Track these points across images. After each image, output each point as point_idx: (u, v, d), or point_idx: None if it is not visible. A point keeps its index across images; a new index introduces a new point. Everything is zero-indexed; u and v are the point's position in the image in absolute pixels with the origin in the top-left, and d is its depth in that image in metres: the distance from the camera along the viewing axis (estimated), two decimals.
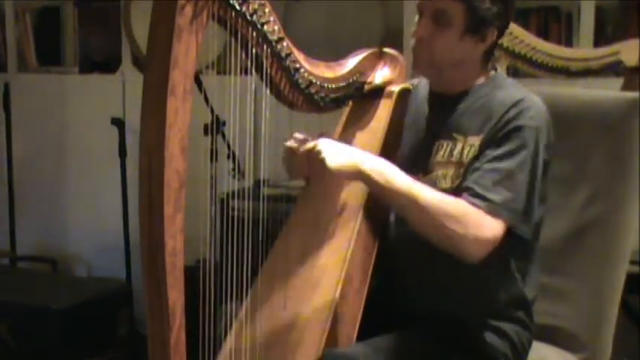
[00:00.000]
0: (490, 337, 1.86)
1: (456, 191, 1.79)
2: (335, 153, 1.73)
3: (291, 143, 1.86)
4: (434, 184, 1.84)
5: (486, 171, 1.77)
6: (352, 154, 1.75)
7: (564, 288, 2.16)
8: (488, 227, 1.72)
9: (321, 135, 1.83)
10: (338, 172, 1.72)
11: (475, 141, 1.83)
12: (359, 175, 1.74)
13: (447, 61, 1.85)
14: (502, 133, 1.79)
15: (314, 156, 1.72)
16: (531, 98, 1.83)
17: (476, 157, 1.81)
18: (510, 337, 1.88)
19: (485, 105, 1.85)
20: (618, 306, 2.14)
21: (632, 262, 2.28)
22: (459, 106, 1.89)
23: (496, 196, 1.73)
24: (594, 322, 2.14)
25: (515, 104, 1.80)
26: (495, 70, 1.96)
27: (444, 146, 1.87)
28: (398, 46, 2.98)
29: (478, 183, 1.76)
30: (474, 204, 1.73)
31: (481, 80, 1.91)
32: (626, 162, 2.11)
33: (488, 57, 1.91)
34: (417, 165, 1.90)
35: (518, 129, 1.78)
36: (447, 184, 1.84)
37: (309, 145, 1.75)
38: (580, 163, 2.16)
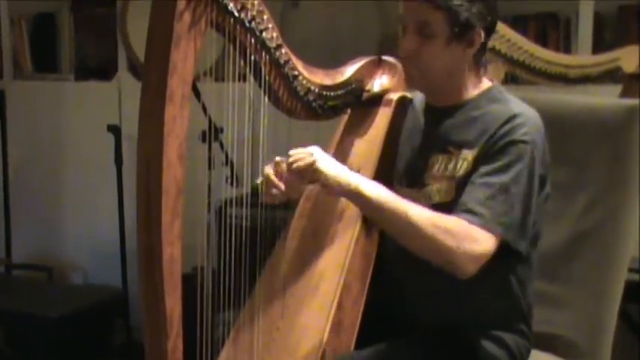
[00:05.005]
0: (489, 346, 1.85)
1: (450, 206, 1.77)
2: (329, 161, 1.71)
3: (270, 172, 1.83)
4: (428, 199, 1.83)
5: (479, 185, 1.75)
6: (345, 169, 1.73)
7: (563, 295, 2.15)
8: (481, 242, 1.69)
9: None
10: (333, 181, 1.70)
11: (469, 155, 1.81)
12: (352, 189, 1.70)
13: (438, 72, 1.83)
14: (496, 147, 1.77)
15: (307, 167, 1.70)
16: (527, 113, 1.80)
17: (470, 173, 1.79)
18: (509, 346, 1.87)
19: (480, 118, 1.83)
20: (617, 314, 2.13)
21: (631, 270, 2.27)
22: (454, 118, 1.87)
23: (489, 211, 1.71)
24: (593, 330, 2.12)
25: (510, 119, 1.78)
26: (492, 81, 1.93)
27: (439, 160, 1.85)
28: (395, 50, 2.98)
29: (471, 198, 1.74)
30: (466, 219, 1.71)
31: (476, 91, 1.88)
32: (626, 169, 2.10)
33: (478, 59, 1.88)
34: (414, 179, 1.89)
35: (512, 143, 1.75)
36: (441, 198, 1.82)
37: (301, 154, 1.72)
38: (579, 170, 2.16)
